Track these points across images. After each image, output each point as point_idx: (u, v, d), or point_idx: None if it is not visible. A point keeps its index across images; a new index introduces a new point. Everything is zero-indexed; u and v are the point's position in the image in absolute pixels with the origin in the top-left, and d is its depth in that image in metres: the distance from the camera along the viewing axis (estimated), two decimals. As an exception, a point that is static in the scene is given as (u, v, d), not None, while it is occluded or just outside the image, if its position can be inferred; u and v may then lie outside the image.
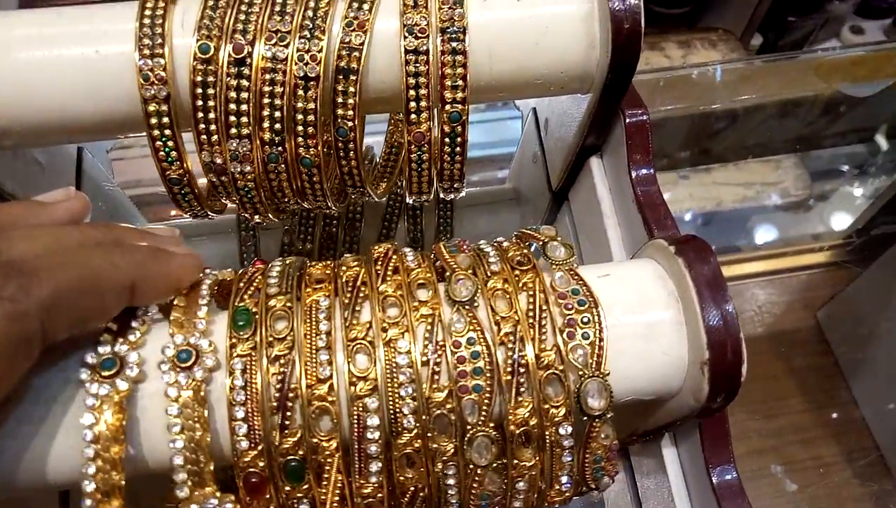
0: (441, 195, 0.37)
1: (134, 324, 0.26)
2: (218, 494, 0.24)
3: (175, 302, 0.27)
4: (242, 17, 0.31)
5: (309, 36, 0.30)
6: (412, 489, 0.26)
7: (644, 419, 0.32)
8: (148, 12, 0.30)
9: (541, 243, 0.29)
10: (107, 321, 0.26)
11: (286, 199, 0.34)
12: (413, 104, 0.32)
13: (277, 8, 0.31)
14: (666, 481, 0.35)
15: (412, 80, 0.31)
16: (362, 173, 0.34)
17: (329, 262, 0.30)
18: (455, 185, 0.36)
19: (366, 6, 0.31)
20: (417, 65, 0.31)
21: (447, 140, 0.33)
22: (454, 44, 0.31)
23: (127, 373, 0.24)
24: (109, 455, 0.24)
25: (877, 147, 1.01)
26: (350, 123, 0.32)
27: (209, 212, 0.36)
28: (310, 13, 0.31)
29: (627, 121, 0.37)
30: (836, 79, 0.82)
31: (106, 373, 0.24)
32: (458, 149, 0.33)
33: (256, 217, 0.35)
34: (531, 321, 0.26)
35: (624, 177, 0.37)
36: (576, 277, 0.28)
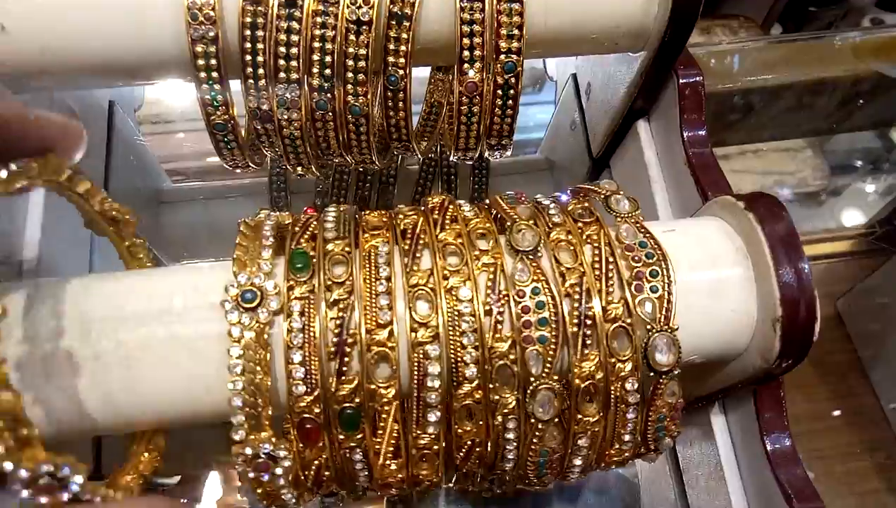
0: (486, 153, 0.36)
1: (265, 254, 0.25)
2: (273, 440, 0.23)
3: (238, 240, 0.26)
4: (294, -43, 0.29)
5: (362, -22, 0.29)
6: (469, 442, 0.25)
7: (701, 382, 0.31)
8: (197, -50, 0.29)
9: (602, 197, 0.28)
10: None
11: (330, 151, 0.33)
12: (466, 53, 0.31)
13: None
14: (712, 449, 0.34)
15: (466, 28, 0.30)
16: (409, 125, 0.33)
17: (384, 211, 0.29)
18: (503, 141, 0.35)
19: None
20: (472, 12, 0.30)
21: (500, 91, 0.32)
22: None
23: (270, 305, 0.24)
24: (257, 385, 0.23)
25: (892, 142, 1.00)
26: (401, 71, 0.31)
27: (249, 163, 0.34)
28: None
29: (681, 81, 0.36)
30: (879, 58, 0.80)
31: (248, 305, 0.24)
32: (510, 102, 0.32)
33: (299, 168, 0.34)
34: (597, 273, 0.25)
35: (675, 139, 0.36)
36: (642, 230, 0.27)
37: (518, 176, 0.52)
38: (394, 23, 0.30)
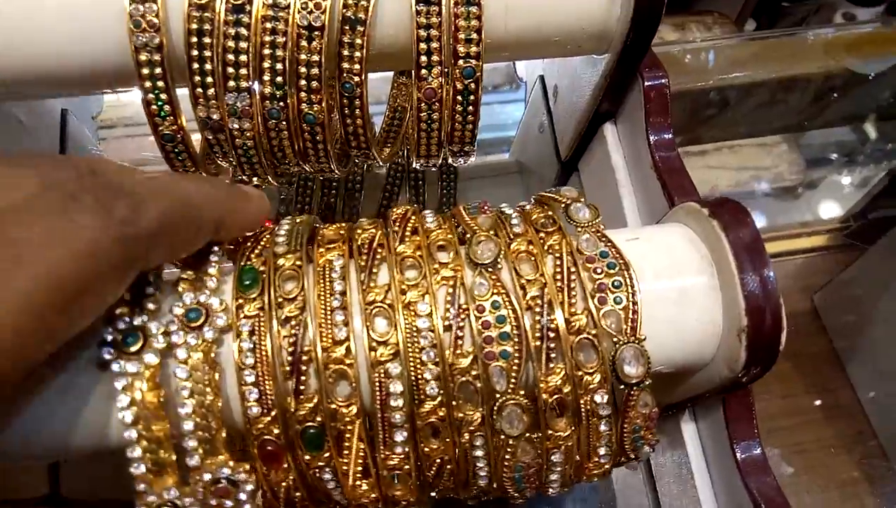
0: (449, 160, 0.35)
1: (149, 290, 0.23)
2: (231, 462, 0.22)
3: (185, 259, 0.25)
4: (241, -40, 0.28)
5: (314, -19, 0.28)
6: (438, 461, 0.25)
7: (667, 392, 0.31)
8: (139, -47, 0.28)
9: (563, 205, 0.28)
10: (193, 252, 0.24)
11: (287, 161, 0.32)
12: (424, 58, 0.30)
13: None
14: (683, 457, 0.33)
15: (423, 33, 0.29)
16: (368, 133, 0.32)
17: (342, 224, 0.28)
18: (465, 148, 0.34)
19: None
20: (429, 16, 0.29)
21: (459, 97, 0.31)
22: None
23: (154, 345, 0.22)
24: (153, 434, 0.22)
25: (866, 135, 1.01)
26: (356, 78, 0.30)
27: (203, 175, 0.33)
28: None
29: (646, 84, 0.35)
30: (848, 54, 0.81)
31: (130, 350, 0.22)
32: (470, 108, 0.32)
33: (255, 179, 0.33)
34: (559, 285, 0.25)
35: (641, 143, 0.35)
36: (603, 239, 0.26)
37: (487, 179, 0.52)
38: (347, 28, 0.29)
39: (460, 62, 0.30)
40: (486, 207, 0.28)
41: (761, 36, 0.99)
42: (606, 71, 0.35)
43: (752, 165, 0.99)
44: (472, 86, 0.31)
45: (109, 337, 0.22)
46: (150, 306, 0.23)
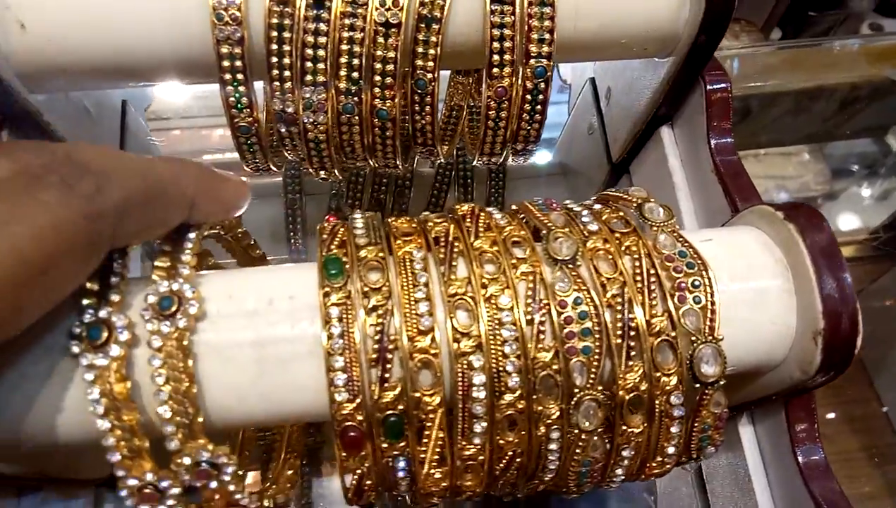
0: (510, 159, 0.36)
1: (113, 281, 0.24)
2: (210, 447, 0.23)
3: (161, 248, 0.25)
4: (322, -44, 0.29)
5: (392, -20, 0.29)
6: (510, 453, 0.25)
7: (733, 393, 0.31)
8: (223, -52, 0.28)
9: (635, 205, 0.28)
10: (165, 232, 0.25)
11: (354, 155, 0.33)
12: (496, 57, 0.30)
13: None
14: (739, 460, 0.34)
15: (496, 32, 0.30)
16: (435, 129, 0.33)
17: (411, 219, 0.29)
18: (528, 147, 0.34)
19: None
20: (503, 16, 0.30)
21: (528, 96, 0.31)
22: None
23: (118, 338, 0.23)
24: (125, 423, 0.22)
25: (888, 147, 1.00)
26: (429, 75, 0.30)
27: (271, 166, 0.34)
28: None
29: (709, 88, 0.35)
30: (875, 65, 0.81)
31: (96, 343, 0.22)
32: (538, 107, 0.32)
33: (322, 172, 0.34)
34: (639, 285, 0.25)
35: (701, 146, 0.36)
36: (680, 239, 0.26)
37: (531, 180, 0.52)
38: (423, 25, 0.29)
39: (532, 61, 0.30)
40: (553, 204, 0.29)
41: (787, 45, 0.99)
42: (669, 74, 0.35)
43: (778, 174, 0.99)
44: (542, 85, 0.31)
45: (77, 330, 0.23)
46: (114, 297, 0.23)
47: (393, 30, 0.29)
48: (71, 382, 0.23)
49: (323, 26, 0.29)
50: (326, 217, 0.31)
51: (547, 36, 0.30)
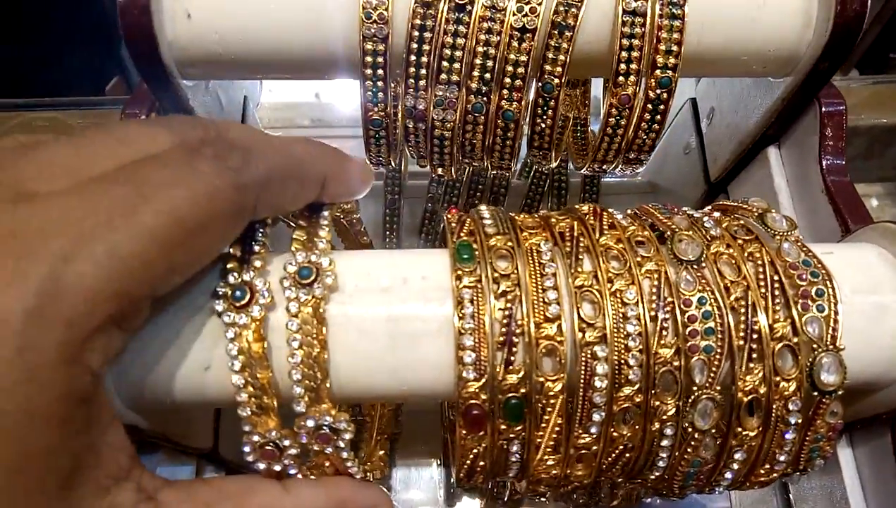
0: (619, 168, 0.37)
1: (256, 248, 0.25)
2: (333, 412, 0.24)
3: (298, 223, 0.27)
4: (464, -36, 0.30)
5: (529, -13, 0.30)
6: (621, 447, 0.26)
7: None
8: (373, -48, 0.31)
9: (757, 214, 0.28)
10: (299, 207, 0.27)
11: (473, 153, 0.34)
12: (623, 66, 0.31)
13: None
14: (835, 483, 0.33)
15: (626, 42, 0.31)
16: (554, 133, 0.34)
17: (534, 214, 0.30)
18: (641, 157, 0.35)
19: None
20: (634, 27, 0.31)
21: (650, 105, 0.32)
22: (674, 9, 0.31)
23: (259, 300, 0.24)
24: (258, 381, 0.24)
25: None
26: (557, 80, 0.32)
27: (391, 161, 0.36)
28: None
29: (824, 109, 0.35)
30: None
31: (239, 303, 0.24)
32: (658, 117, 0.33)
33: (440, 169, 0.35)
34: (762, 290, 0.25)
35: (812, 167, 0.36)
36: (804, 249, 0.27)
37: (618, 196, 0.53)
38: (556, 32, 0.31)
39: (657, 72, 0.31)
40: (675, 208, 0.29)
41: (866, 80, 0.97)
42: (784, 94, 0.35)
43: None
44: (665, 96, 0.32)
45: (221, 290, 0.24)
46: (257, 263, 0.25)
47: (528, 35, 0.30)
48: (213, 339, 0.25)
49: (462, 28, 0.30)
50: (449, 208, 0.32)
51: (675, 48, 0.31)
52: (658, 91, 0.32)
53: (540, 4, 0.30)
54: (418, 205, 0.49)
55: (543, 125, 0.33)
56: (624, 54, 0.31)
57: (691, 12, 0.31)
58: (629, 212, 0.31)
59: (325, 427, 0.24)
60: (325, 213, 0.27)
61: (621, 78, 0.32)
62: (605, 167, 0.36)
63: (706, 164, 0.45)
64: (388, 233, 0.49)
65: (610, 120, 0.33)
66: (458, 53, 0.31)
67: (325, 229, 0.26)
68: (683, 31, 0.31)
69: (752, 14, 0.32)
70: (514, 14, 0.30)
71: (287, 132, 0.77)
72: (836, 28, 0.31)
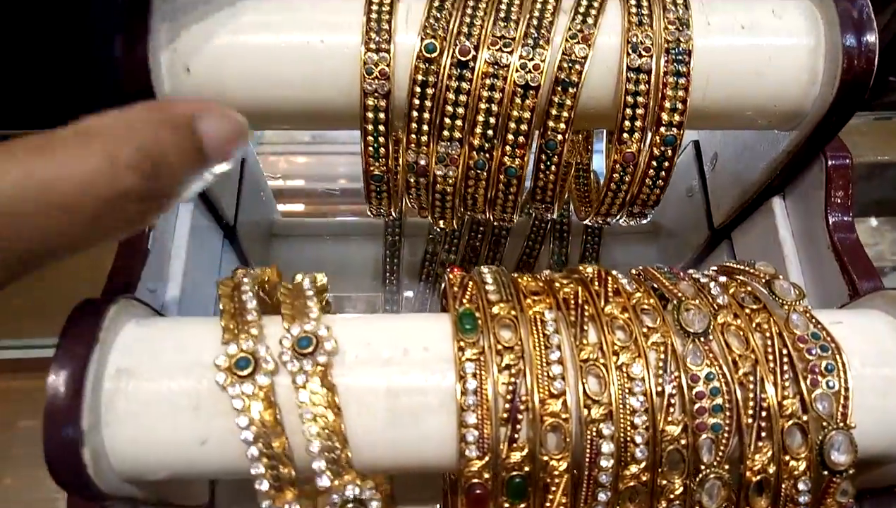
0: (622, 220, 0.36)
1: (249, 318, 0.25)
2: (359, 481, 0.23)
3: (280, 297, 0.27)
4: (467, 20, 0.30)
5: (533, 44, 0.30)
6: None
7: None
8: (375, 7, 0.30)
9: (764, 281, 0.28)
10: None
11: (475, 207, 0.34)
12: (627, 123, 0.31)
13: (502, 14, 0.30)
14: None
15: (630, 99, 0.31)
16: (558, 188, 0.33)
17: (536, 275, 0.29)
18: (645, 211, 0.35)
19: (590, 20, 0.30)
20: (638, 83, 0.30)
21: (654, 162, 0.32)
22: (679, 66, 0.30)
23: (264, 367, 0.24)
24: (273, 451, 0.23)
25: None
26: (560, 137, 0.31)
27: (392, 213, 0.35)
28: (535, 21, 0.30)
29: (830, 163, 0.35)
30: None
31: (243, 373, 0.23)
32: (662, 173, 0.32)
33: (441, 222, 0.35)
34: (771, 364, 0.25)
35: (817, 221, 0.35)
36: (813, 320, 0.26)
37: (623, 236, 0.52)
38: (559, 89, 0.30)
39: (662, 129, 0.31)
40: (681, 273, 0.29)
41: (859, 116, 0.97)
42: (790, 147, 0.35)
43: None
44: (669, 152, 0.32)
45: (221, 363, 0.24)
46: (254, 331, 0.24)
47: (531, 91, 0.30)
48: (209, 413, 0.24)
49: (465, 85, 0.30)
50: (450, 267, 0.32)
51: (680, 105, 0.31)
52: (663, 148, 0.31)
53: (543, 61, 0.30)
54: (419, 244, 0.49)
55: (546, 180, 0.33)
56: (628, 111, 0.31)
57: (696, 67, 0.31)
58: (633, 272, 0.30)
59: (351, 501, 0.23)
60: (307, 282, 0.27)
61: (625, 135, 0.31)
62: (608, 219, 0.36)
63: (709, 209, 0.45)
64: (388, 274, 0.48)
65: (614, 176, 0.32)
66: (461, 110, 0.30)
67: (313, 299, 0.26)
68: (689, 88, 0.30)
69: (758, 69, 0.32)
70: (517, 70, 0.30)
71: (287, 148, 0.77)
72: (844, 85, 0.31)
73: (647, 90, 0.30)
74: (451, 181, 0.32)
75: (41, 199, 0.18)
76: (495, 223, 0.36)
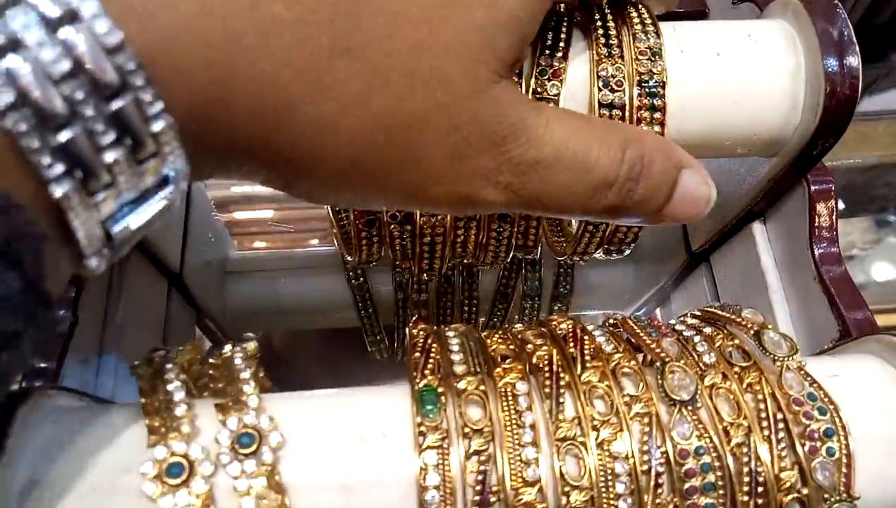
0: (599, 254, 0.34)
1: (179, 413, 0.21)
2: None
3: (209, 378, 0.23)
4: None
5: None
6: None
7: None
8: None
9: (753, 332, 0.26)
10: None
11: (465, 252, 0.31)
12: (598, 161, 0.29)
13: None
14: None
15: None
16: (540, 229, 0.31)
17: (502, 333, 0.27)
18: (623, 248, 0.32)
19: (559, 53, 0.28)
20: (611, 119, 0.28)
21: (630, 203, 0.30)
22: (654, 100, 0.28)
23: (200, 471, 0.20)
24: None
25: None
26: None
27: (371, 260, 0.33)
28: None
29: (813, 189, 0.33)
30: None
31: (175, 481, 0.20)
32: (641, 212, 0.30)
33: (427, 272, 0.32)
34: (765, 431, 0.23)
35: (801, 251, 0.33)
36: (808, 378, 0.24)
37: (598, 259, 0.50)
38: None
39: None
40: (661, 326, 0.27)
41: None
42: (771, 175, 0.33)
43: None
44: None
45: (148, 470, 0.20)
46: (185, 429, 0.21)
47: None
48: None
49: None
50: (413, 318, 0.29)
51: None
52: None
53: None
54: (384, 276, 0.46)
55: (535, 224, 0.31)
56: None
57: (671, 97, 0.29)
58: (610, 322, 0.28)
59: None
60: (240, 362, 0.24)
61: None
62: (585, 258, 0.33)
63: (686, 231, 0.43)
64: (361, 311, 0.46)
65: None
66: None
67: (251, 384, 0.23)
68: (665, 122, 0.28)
69: (735, 98, 0.29)
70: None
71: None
72: (827, 111, 0.29)
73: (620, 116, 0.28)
74: (439, 230, 0.29)
75: None
76: (480, 265, 0.33)
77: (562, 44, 0.27)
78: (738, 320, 0.27)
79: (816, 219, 0.33)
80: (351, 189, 0.21)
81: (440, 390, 0.23)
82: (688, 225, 0.43)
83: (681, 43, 0.29)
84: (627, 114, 0.28)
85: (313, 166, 0.20)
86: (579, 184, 0.22)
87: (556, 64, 0.27)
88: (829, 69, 0.29)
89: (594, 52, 0.28)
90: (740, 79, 0.29)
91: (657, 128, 0.28)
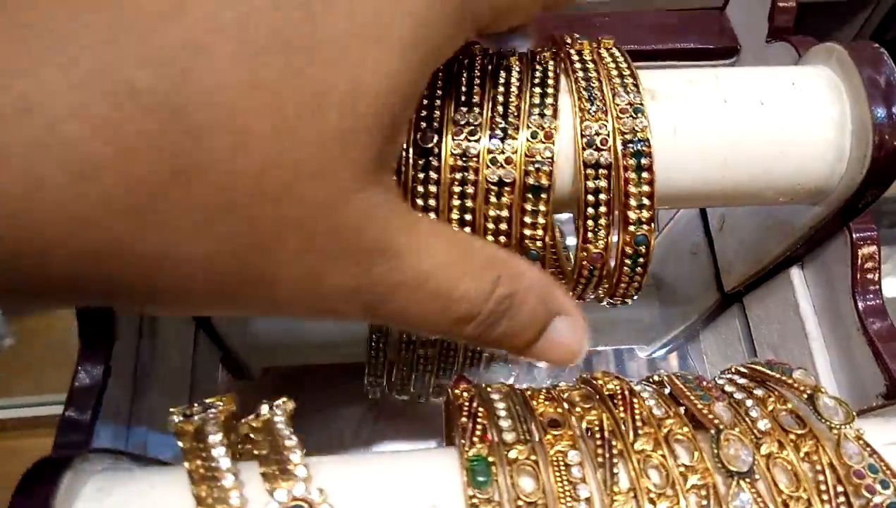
0: (604, 303, 0.33)
1: (227, 484, 0.21)
2: None
3: (252, 443, 0.22)
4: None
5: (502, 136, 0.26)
6: None
7: None
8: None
9: (805, 396, 0.25)
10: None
11: None
12: (591, 222, 0.27)
13: (463, 98, 0.27)
14: None
15: (591, 198, 0.27)
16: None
17: (546, 392, 0.26)
18: (626, 300, 0.32)
19: (548, 112, 0.27)
20: (598, 179, 0.27)
21: (628, 261, 0.28)
22: (640, 158, 0.26)
23: None
24: None
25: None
26: (539, 243, 0.28)
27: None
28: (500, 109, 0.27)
29: (855, 236, 0.32)
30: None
31: None
32: (638, 269, 0.29)
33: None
34: (826, 506, 0.22)
35: (843, 300, 0.33)
36: (867, 448, 0.23)
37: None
38: (530, 195, 0.27)
39: (631, 228, 0.27)
40: (711, 388, 0.26)
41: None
42: (812, 222, 0.32)
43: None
44: (643, 250, 0.28)
45: None
46: (235, 501, 0.20)
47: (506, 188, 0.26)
48: None
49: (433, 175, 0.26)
50: (453, 380, 0.28)
51: (646, 201, 0.26)
52: (636, 247, 0.28)
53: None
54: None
55: None
56: (590, 211, 0.27)
57: (714, 148, 0.28)
58: (655, 379, 0.27)
59: None
60: (281, 424, 0.23)
61: (590, 235, 0.27)
62: (583, 300, 0.32)
63: (717, 270, 0.42)
64: (372, 345, 0.45)
65: (583, 271, 0.29)
66: (432, 202, 0.26)
67: (297, 453, 0.22)
68: (653, 182, 0.27)
69: (780, 148, 0.29)
70: (487, 166, 0.26)
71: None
72: (875, 164, 0.28)
73: (608, 186, 0.27)
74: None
75: None
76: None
77: (550, 100, 0.27)
78: (788, 381, 0.26)
79: (860, 269, 0.32)
80: (210, 309, 0.21)
81: (490, 459, 0.22)
82: (719, 265, 0.42)
83: (724, 92, 0.29)
84: (614, 173, 0.26)
85: (157, 300, 0.19)
86: (442, 314, 0.21)
87: (548, 125, 0.26)
88: (878, 119, 0.28)
89: (576, 106, 0.27)
90: (785, 129, 0.29)
91: (646, 188, 0.26)
